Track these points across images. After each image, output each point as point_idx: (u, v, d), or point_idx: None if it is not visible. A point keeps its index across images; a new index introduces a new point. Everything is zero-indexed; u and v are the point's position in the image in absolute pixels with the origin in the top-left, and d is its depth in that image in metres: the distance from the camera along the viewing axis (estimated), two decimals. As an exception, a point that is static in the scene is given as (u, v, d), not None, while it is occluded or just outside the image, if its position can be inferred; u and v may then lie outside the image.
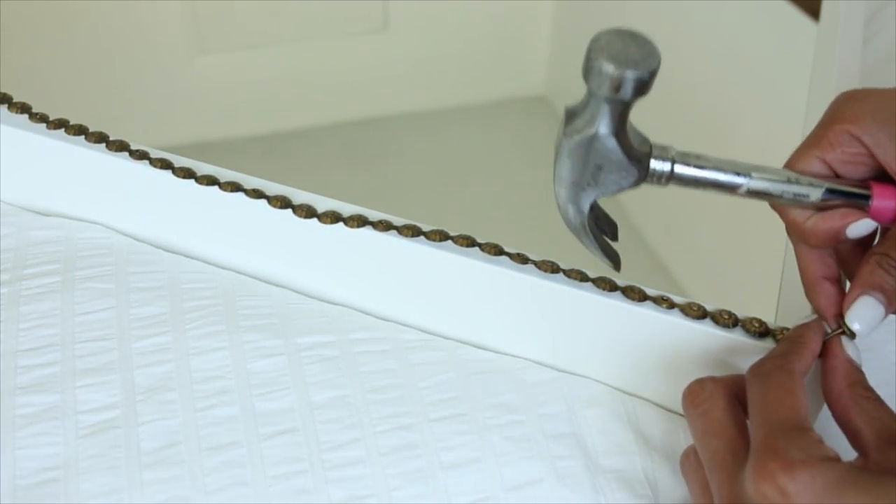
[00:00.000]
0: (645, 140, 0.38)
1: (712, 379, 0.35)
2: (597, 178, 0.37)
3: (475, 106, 1.09)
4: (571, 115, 0.37)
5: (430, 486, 0.39)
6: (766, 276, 0.43)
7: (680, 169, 0.37)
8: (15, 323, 0.44)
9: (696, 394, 0.35)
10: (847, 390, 0.34)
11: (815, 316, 0.37)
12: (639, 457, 0.40)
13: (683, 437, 0.41)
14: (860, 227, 0.36)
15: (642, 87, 0.34)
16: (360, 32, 1.02)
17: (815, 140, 0.37)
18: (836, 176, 0.37)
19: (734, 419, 0.34)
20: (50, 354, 0.43)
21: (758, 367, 0.35)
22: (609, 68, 0.34)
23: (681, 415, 0.42)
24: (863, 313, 0.36)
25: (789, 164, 0.38)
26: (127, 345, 0.43)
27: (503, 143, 1.06)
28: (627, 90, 0.34)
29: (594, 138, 0.36)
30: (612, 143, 0.36)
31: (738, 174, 0.37)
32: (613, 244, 0.40)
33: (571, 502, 0.39)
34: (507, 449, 0.40)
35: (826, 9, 0.63)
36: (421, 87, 1.08)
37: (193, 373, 0.42)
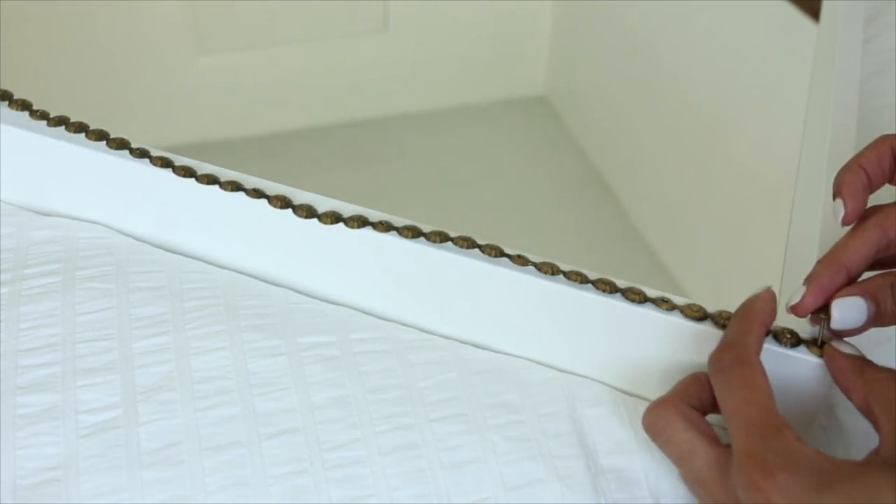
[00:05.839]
0: None
1: (660, 403, 0.36)
2: None
3: (475, 106, 1.09)
4: None
5: (430, 486, 0.39)
6: (766, 276, 0.43)
7: None
8: (15, 323, 0.44)
9: (653, 424, 0.36)
10: (860, 381, 0.35)
11: (765, 286, 0.38)
12: (639, 456, 0.40)
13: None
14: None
15: None
16: (360, 32, 1.02)
17: None
18: None
19: (698, 431, 0.35)
20: (50, 354, 0.43)
21: (717, 362, 0.35)
22: None
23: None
24: (849, 312, 0.36)
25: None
26: (127, 345, 0.43)
27: (503, 143, 1.06)
28: None
29: None
30: None
31: None
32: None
33: (572, 502, 0.39)
34: (507, 449, 0.40)
35: (826, 9, 0.63)
36: (421, 87, 1.08)
37: (194, 373, 0.42)
